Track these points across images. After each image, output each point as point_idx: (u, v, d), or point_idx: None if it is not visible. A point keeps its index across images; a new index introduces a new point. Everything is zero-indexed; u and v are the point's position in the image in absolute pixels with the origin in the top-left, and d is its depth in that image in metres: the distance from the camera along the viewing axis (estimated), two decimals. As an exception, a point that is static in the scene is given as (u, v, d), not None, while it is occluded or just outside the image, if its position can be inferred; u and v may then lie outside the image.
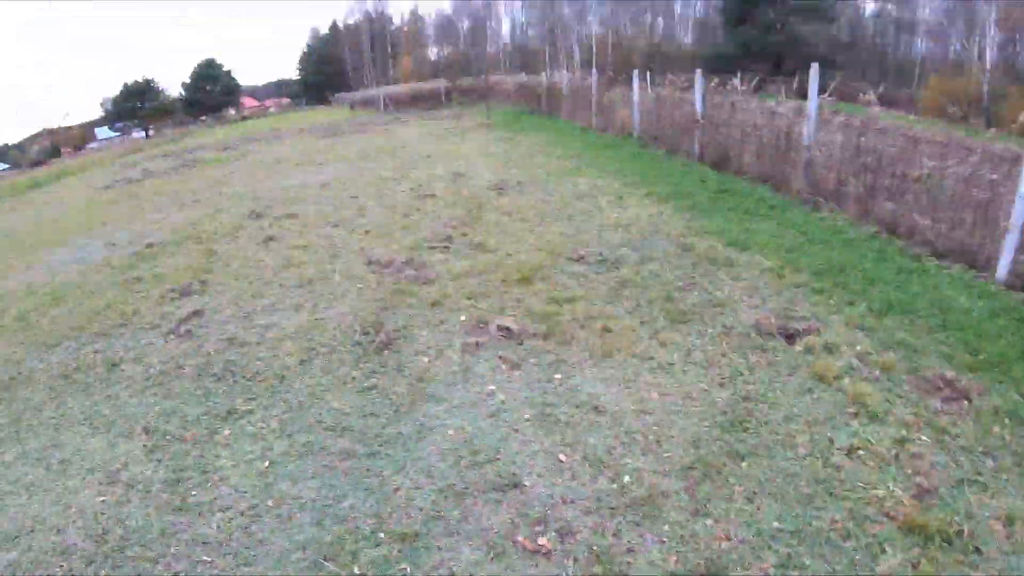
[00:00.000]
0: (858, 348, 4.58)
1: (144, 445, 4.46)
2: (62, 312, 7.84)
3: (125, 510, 3.82)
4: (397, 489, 3.60)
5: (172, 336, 6.30)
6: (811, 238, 7.09)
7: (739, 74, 17.39)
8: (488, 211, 9.28)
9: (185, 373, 5.45)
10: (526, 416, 4.09)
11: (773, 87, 27.00)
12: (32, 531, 3.81)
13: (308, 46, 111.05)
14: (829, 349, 4.57)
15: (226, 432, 4.44)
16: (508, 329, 5.23)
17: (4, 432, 5.12)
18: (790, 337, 4.78)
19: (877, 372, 4.29)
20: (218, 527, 3.54)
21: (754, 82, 12.52)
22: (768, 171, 10.03)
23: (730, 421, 3.86)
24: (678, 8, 67.74)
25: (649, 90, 15.97)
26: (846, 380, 4.21)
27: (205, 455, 4.21)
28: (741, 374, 4.33)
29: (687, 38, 68.75)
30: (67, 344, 6.73)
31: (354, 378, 4.87)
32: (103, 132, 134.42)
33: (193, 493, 3.86)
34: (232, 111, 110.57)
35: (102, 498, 3.97)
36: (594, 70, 21.02)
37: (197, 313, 6.77)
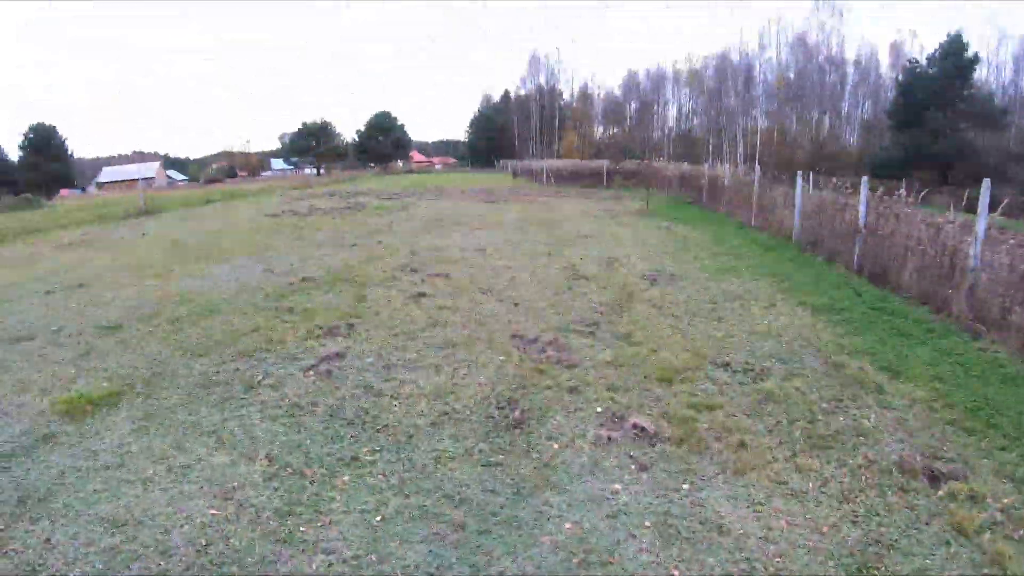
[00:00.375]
0: (1005, 501, 4.26)
1: (264, 471, 4.70)
2: (212, 325, 8.43)
3: (232, 528, 4.01)
4: (503, 573, 3.60)
5: (312, 372, 6.64)
6: (968, 370, 6.67)
7: (904, 182, 16.85)
8: (638, 301, 9.29)
9: (317, 411, 5.71)
10: (647, 523, 4.01)
11: (940, 198, 25.96)
12: (139, 523, 4.08)
13: (479, 111, 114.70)
14: (974, 498, 4.27)
15: (346, 477, 4.59)
16: (643, 428, 5.20)
17: (136, 424, 5.56)
18: (934, 479, 4.52)
19: (1022, 531, 4.02)
20: (318, 568, 3.64)
21: (921, 194, 12.06)
22: (928, 290, 9.57)
23: (858, 565, 3.66)
24: (845, 107, 66.51)
25: (811, 191, 15.70)
26: (987, 536, 3.91)
27: (321, 495, 4.37)
28: (877, 514, 4.09)
29: (852, 138, 67.39)
30: (212, 356, 7.25)
31: (481, 451, 4.94)
32: (278, 163, 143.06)
33: (301, 529, 4.00)
34: (400, 163, 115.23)
35: (213, 511, 4.19)
36: (757, 166, 20.86)
37: (339, 355, 7.10)
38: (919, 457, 4.77)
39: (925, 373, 6.53)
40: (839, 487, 4.41)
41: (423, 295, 9.66)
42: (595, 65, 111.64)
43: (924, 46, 59.78)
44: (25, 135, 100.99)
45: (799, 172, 16.11)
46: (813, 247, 13.97)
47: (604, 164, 48.83)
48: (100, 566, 3.70)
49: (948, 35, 48.99)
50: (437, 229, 18.29)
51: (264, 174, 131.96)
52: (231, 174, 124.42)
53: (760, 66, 65.55)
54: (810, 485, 4.43)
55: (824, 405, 5.74)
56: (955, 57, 45.72)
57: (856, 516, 4.08)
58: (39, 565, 3.72)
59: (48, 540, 3.95)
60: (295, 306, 9.18)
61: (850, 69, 64.96)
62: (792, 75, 63.45)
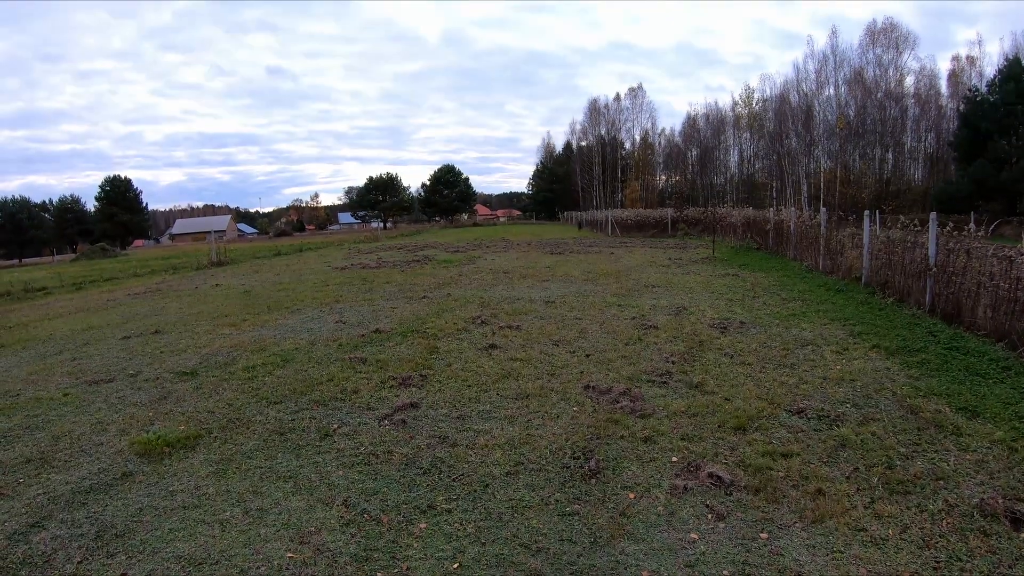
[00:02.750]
0: (1095, 546, 4.22)
1: (341, 516, 4.85)
2: (287, 374, 8.76)
3: (310, 572, 4.14)
4: None
5: (387, 422, 6.84)
6: (1050, 409, 6.58)
7: (973, 215, 16.64)
8: (709, 350, 9.31)
9: (393, 459, 5.88)
10: (725, 573, 4.03)
11: (1010, 229, 25.10)
12: (216, 563, 4.24)
13: (540, 163, 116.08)
14: (1060, 542, 4.25)
15: (422, 525, 4.71)
16: (719, 478, 5.24)
17: (212, 468, 5.80)
18: (1016, 522, 4.46)
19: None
20: None
21: (992, 226, 11.90)
22: (1004, 326, 9.38)
23: (942, 612, 3.67)
24: (908, 142, 65.28)
25: (878, 231, 15.54)
26: (1076, 581, 3.88)
27: (398, 541, 4.48)
28: (959, 559, 4.04)
29: (917, 173, 66.02)
30: (287, 404, 7.54)
31: (557, 500, 5.02)
32: (345, 217, 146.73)
33: (379, 574, 4.10)
34: (465, 216, 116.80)
35: (290, 554, 4.33)
36: (823, 209, 20.70)
37: (414, 405, 7.30)
38: (1001, 499, 4.71)
39: (1004, 412, 6.43)
40: (919, 533, 4.38)
41: (494, 347, 9.83)
42: (655, 112, 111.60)
43: (984, 73, 57.89)
44: (102, 187, 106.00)
45: (866, 212, 15.96)
46: (883, 288, 13.79)
47: (668, 212, 48.97)
48: None
49: (1006, 59, 48.05)
50: (505, 281, 18.54)
51: (331, 228, 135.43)
52: (299, 227, 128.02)
53: (819, 105, 64.62)
54: (889, 532, 4.41)
55: (902, 449, 5.69)
56: (1015, 82, 44.51)
57: (938, 562, 4.05)
58: None
59: (125, 575, 4.14)
60: (368, 357, 9.45)
61: (910, 102, 63.69)
62: (852, 112, 62.49)
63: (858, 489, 5.02)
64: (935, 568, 4.00)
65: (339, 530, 4.64)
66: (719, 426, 6.38)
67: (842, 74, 63.67)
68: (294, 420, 6.95)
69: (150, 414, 7.35)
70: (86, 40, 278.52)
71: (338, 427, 6.69)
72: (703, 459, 5.63)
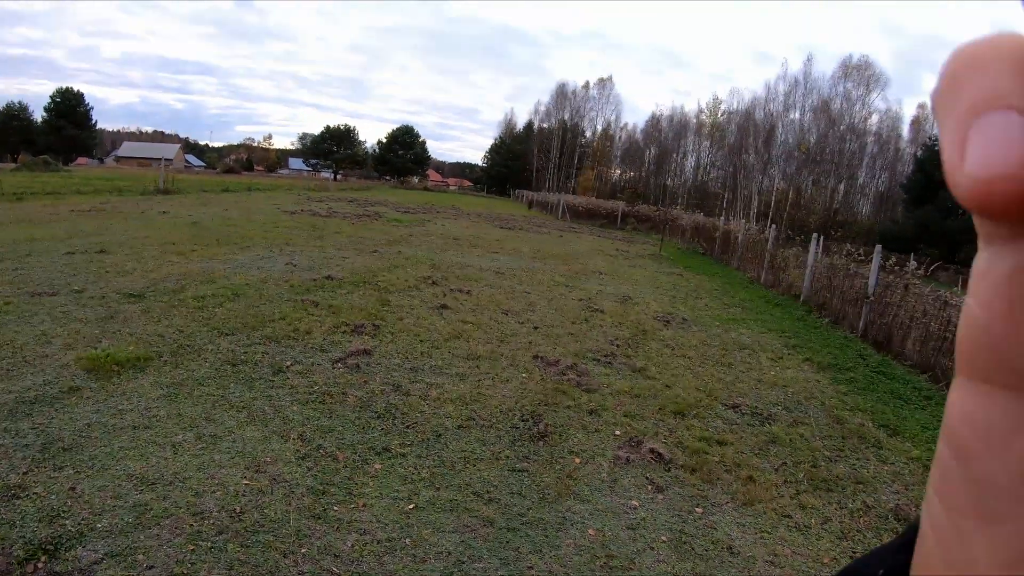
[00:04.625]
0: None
1: (297, 450, 4.92)
2: (237, 308, 8.70)
3: (266, 499, 4.18)
4: (531, 568, 3.86)
5: (340, 365, 6.91)
6: (963, 439, 7.06)
7: (914, 256, 17.39)
8: (652, 340, 9.63)
9: (348, 401, 5.98)
10: (663, 538, 4.30)
11: (946, 275, 26.51)
12: (170, 484, 4.21)
13: (499, 138, 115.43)
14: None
15: (377, 465, 4.85)
16: (659, 454, 5.53)
17: (163, 391, 5.73)
18: (928, 532, 4.88)
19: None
20: (352, 546, 3.84)
21: (931, 268, 12.47)
22: (930, 361, 9.94)
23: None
24: (862, 177, 67.47)
25: (821, 255, 16.17)
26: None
27: (353, 479, 4.61)
28: None
29: (866, 208, 68.63)
30: (238, 336, 7.49)
31: (507, 457, 5.24)
32: (296, 163, 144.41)
33: (335, 508, 4.21)
34: (416, 180, 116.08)
35: (246, 481, 4.36)
36: (772, 225, 21.24)
37: (367, 352, 7.39)
38: (914, 508, 5.10)
39: (922, 435, 6.87)
40: (839, 526, 4.73)
41: (445, 307, 10.00)
42: (621, 105, 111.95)
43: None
44: (52, 97, 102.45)
45: (814, 235, 16.53)
46: (820, 309, 14.35)
47: (620, 206, 49.46)
48: (130, 520, 3.79)
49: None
50: (455, 247, 18.68)
51: (281, 171, 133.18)
52: (248, 167, 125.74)
53: (783, 126, 66.28)
54: (812, 521, 4.75)
55: (826, 452, 6.07)
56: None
57: (855, 552, 4.41)
58: (64, 511, 3.79)
59: (73, 488, 4.04)
60: (320, 301, 9.47)
61: (871, 139, 65.61)
62: (812, 139, 63.96)
63: (785, 481, 5.37)
64: (852, 556, 4.36)
65: (295, 463, 4.71)
66: (659, 409, 6.68)
67: (810, 101, 65.37)
68: (246, 353, 6.93)
69: (96, 332, 7.15)
70: None
71: (291, 364, 6.73)
72: (644, 436, 5.91)
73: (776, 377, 8.45)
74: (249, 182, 57.07)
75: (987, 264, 0.26)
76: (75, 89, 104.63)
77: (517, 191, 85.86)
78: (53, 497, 3.91)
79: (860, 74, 63.58)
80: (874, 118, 64.75)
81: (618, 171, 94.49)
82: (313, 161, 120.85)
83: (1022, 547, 0.25)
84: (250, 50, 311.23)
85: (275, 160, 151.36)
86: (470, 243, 20.46)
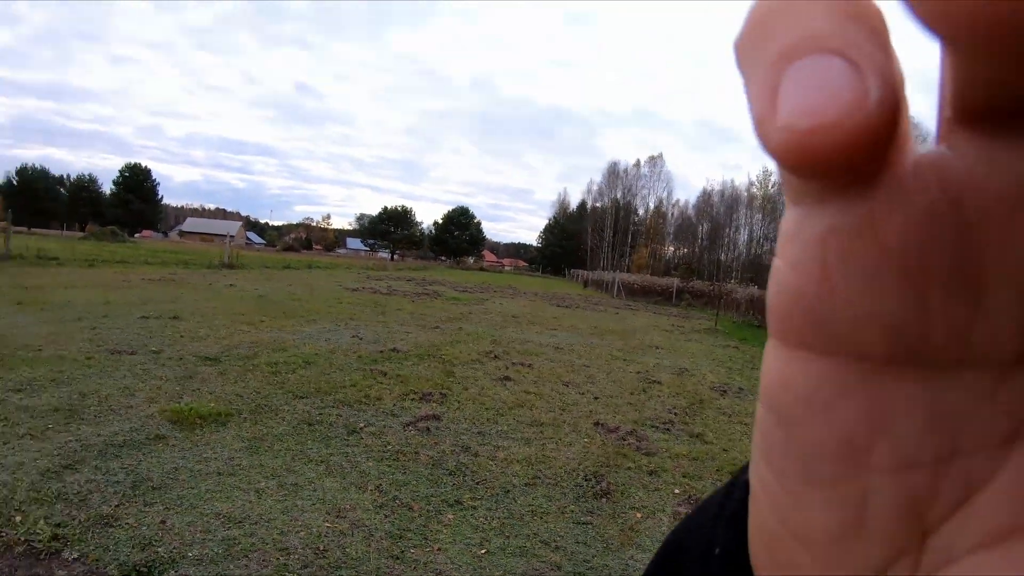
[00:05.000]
0: None
1: (374, 500, 5.23)
2: (309, 374, 9.13)
3: (347, 540, 4.46)
4: None
5: (411, 428, 7.25)
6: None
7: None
8: (709, 408, 9.89)
9: (420, 459, 6.30)
10: (722, 584, 4.62)
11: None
12: (256, 523, 4.51)
13: (553, 217, 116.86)
14: None
15: (450, 516, 5.14)
16: (716, 507, 5.84)
17: (245, 444, 6.11)
18: None
19: None
20: None
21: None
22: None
23: None
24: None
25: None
26: None
27: (428, 526, 4.90)
28: None
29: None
30: (312, 400, 7.88)
31: (572, 511, 5.53)
32: (353, 242, 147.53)
33: (412, 551, 4.48)
34: (472, 260, 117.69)
35: (327, 524, 4.65)
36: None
37: (436, 417, 7.75)
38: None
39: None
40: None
41: (508, 379, 10.39)
42: (672, 182, 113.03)
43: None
44: (121, 172, 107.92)
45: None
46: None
47: (674, 282, 49.67)
48: (219, 551, 4.06)
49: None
50: (514, 324, 19.11)
51: (339, 251, 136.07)
52: (307, 245, 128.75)
53: None
54: None
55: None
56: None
57: None
58: (156, 540, 4.09)
59: (163, 522, 4.35)
60: (388, 371, 9.90)
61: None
62: None
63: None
64: None
65: (373, 510, 5.02)
66: (717, 470, 6.95)
67: None
68: (320, 415, 7.33)
69: (177, 388, 7.64)
70: (125, 25, 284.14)
71: (364, 426, 7.11)
72: (702, 494, 6.21)
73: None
74: (309, 260, 58.68)
75: (796, 226, 0.25)
76: (143, 165, 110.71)
77: (572, 270, 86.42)
78: (144, 528, 4.27)
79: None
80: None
81: (671, 247, 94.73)
82: (371, 241, 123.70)
83: (855, 510, 0.25)
84: (309, 133, 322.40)
85: (333, 239, 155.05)
86: (528, 320, 20.90)
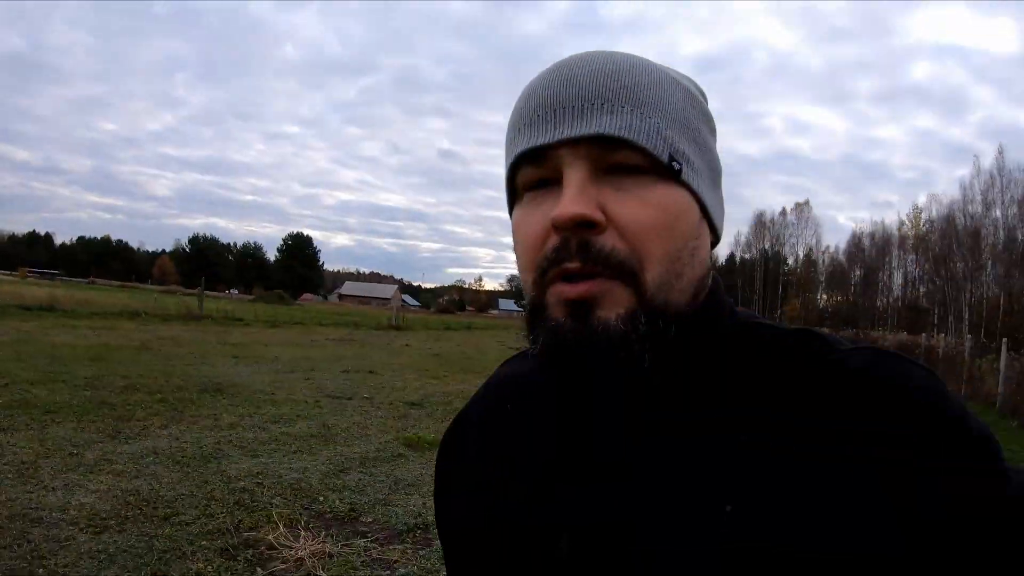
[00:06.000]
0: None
1: None
2: None
3: None
4: None
5: None
6: None
7: None
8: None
9: None
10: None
11: None
12: None
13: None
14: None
15: None
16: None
17: None
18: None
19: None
20: None
21: None
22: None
23: None
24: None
25: (1009, 361, 16.58)
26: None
27: None
28: None
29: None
30: None
31: None
32: (506, 303, 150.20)
33: None
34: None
35: None
36: (968, 336, 21.72)
37: None
38: None
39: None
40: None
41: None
42: (820, 228, 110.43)
43: None
44: (285, 240, 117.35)
45: (1004, 339, 17.07)
46: (1012, 414, 14.88)
47: (825, 332, 49.58)
48: None
49: None
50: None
51: (492, 312, 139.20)
52: (460, 307, 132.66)
53: (987, 227, 61.34)
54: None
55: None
56: None
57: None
58: (423, 513, 5.79)
59: (424, 503, 5.96)
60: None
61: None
62: (1021, 235, 58.22)
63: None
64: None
65: None
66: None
67: (1009, 195, 59.86)
68: None
69: (398, 424, 9.35)
70: (277, 104, 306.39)
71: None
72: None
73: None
74: (468, 321, 61.58)
75: None
76: (304, 233, 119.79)
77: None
78: (412, 506, 5.98)
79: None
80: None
81: (824, 296, 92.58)
82: (523, 302, 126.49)
83: None
84: (456, 197, 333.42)
85: (486, 301, 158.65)
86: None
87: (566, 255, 0.65)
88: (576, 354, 0.66)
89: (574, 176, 0.66)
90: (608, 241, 0.65)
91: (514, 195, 0.76)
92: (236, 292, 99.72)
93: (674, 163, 0.68)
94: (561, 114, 0.67)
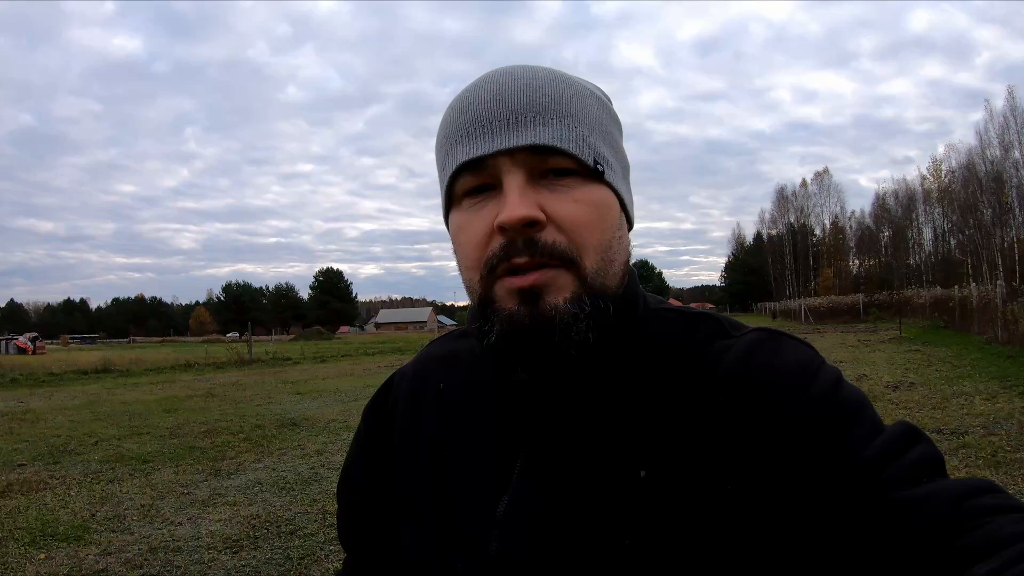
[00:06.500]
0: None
1: None
2: None
3: None
4: None
5: None
6: None
7: None
8: (878, 401, 11.76)
9: None
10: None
11: None
12: None
13: (732, 254, 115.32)
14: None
15: None
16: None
17: None
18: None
19: None
20: None
21: None
22: None
23: None
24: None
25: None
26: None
27: None
28: None
29: None
30: None
31: None
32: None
33: None
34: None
35: None
36: (1000, 282, 21.92)
37: None
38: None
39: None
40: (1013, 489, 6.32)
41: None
42: (843, 194, 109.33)
43: None
44: (316, 277, 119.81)
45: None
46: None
47: (860, 298, 49.50)
48: None
49: None
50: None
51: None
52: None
53: (1008, 170, 59.18)
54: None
55: (1007, 447, 8.07)
56: None
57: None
58: None
59: None
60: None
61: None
62: None
63: (964, 464, 7.54)
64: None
65: None
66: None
67: None
68: None
69: None
70: (288, 146, 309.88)
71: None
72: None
73: (985, 409, 10.39)
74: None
75: None
76: (335, 268, 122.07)
77: (759, 304, 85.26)
78: None
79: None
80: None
81: (856, 262, 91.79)
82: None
83: None
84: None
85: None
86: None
87: (514, 251, 0.72)
88: (533, 337, 0.73)
89: (514, 182, 0.73)
90: (550, 236, 0.73)
91: (450, 201, 0.82)
92: (273, 334, 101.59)
93: (598, 166, 0.76)
94: (497, 127, 0.74)
